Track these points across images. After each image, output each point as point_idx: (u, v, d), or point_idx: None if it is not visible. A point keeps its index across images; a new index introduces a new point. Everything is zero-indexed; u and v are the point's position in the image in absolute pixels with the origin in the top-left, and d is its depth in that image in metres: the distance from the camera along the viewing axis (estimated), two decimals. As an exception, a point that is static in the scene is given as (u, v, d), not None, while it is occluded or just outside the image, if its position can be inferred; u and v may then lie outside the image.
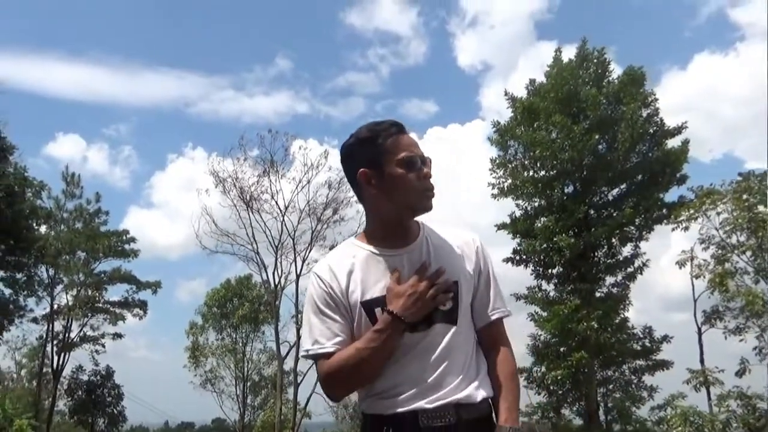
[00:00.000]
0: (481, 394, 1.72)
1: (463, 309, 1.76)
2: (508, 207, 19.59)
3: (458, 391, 1.69)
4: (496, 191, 19.24)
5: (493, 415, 1.75)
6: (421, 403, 1.67)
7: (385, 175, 1.76)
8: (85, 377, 29.89)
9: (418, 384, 1.68)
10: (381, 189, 1.77)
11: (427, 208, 1.79)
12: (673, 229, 16.86)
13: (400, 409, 1.67)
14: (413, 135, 1.87)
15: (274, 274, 21.84)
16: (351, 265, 1.78)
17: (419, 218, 1.85)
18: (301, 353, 1.95)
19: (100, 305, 28.93)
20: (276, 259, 21.66)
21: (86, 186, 28.96)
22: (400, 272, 1.74)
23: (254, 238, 21.45)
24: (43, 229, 26.85)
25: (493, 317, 1.81)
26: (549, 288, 19.27)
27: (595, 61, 18.45)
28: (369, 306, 1.72)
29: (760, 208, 15.34)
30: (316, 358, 1.75)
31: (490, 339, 1.81)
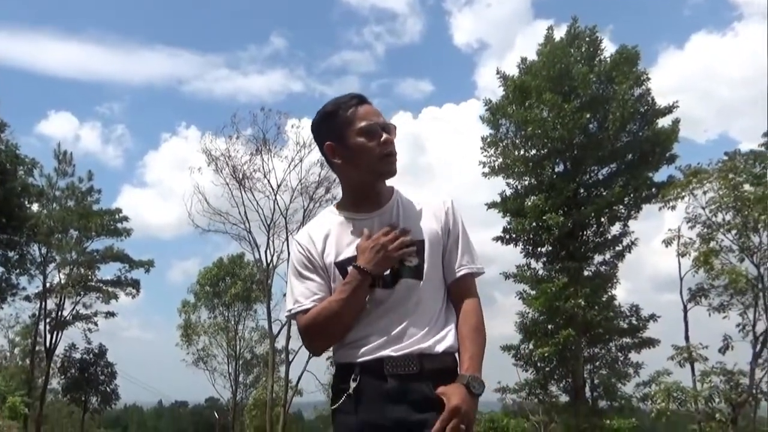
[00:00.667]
0: (443, 346, 1.80)
1: (430, 266, 1.85)
2: (502, 186, 19.67)
3: (422, 342, 1.78)
4: (487, 170, 19.37)
5: (458, 367, 1.82)
6: (387, 352, 1.77)
7: (348, 146, 1.86)
8: (78, 355, 30.06)
9: (385, 335, 1.79)
10: (345, 159, 1.88)
11: (391, 172, 1.90)
12: (660, 208, 17.02)
13: (366, 357, 1.78)
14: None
15: (266, 252, 21.94)
16: (327, 230, 1.92)
17: (392, 184, 1.96)
18: (284, 314, 2.07)
19: (93, 284, 29.03)
20: (268, 238, 21.75)
21: (78, 164, 28.90)
22: (370, 232, 1.85)
23: (247, 217, 21.53)
24: (35, 207, 26.90)
25: (460, 273, 1.88)
26: (538, 266, 19.49)
27: (587, 39, 18.47)
28: (342, 266, 1.85)
29: (746, 187, 15.49)
30: (296, 315, 1.88)
31: (458, 294, 1.90)
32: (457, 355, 1.84)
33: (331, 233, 1.91)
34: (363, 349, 1.80)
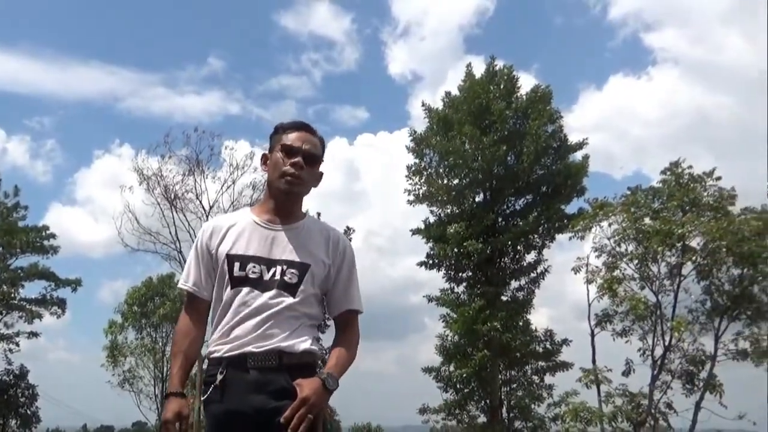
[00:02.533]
0: (303, 346, 2.05)
1: (305, 288, 2.09)
2: (428, 214, 20.37)
3: (283, 342, 2.02)
4: (412, 197, 20.07)
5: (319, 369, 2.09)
6: (250, 348, 2.01)
7: (271, 158, 2.19)
8: (-3, 377, 28.86)
9: (251, 334, 2.02)
10: (268, 169, 2.20)
11: (283, 190, 2.13)
12: (570, 238, 18.00)
13: (233, 353, 2.02)
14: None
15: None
16: (233, 224, 2.18)
17: (309, 211, 2.38)
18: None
19: (15, 302, 28.06)
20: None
21: (5, 179, 28.06)
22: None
23: (177, 237, 21.34)
24: (-44, 222, 26.02)
25: (344, 309, 2.18)
26: (460, 290, 20.22)
27: (505, 77, 19.53)
28: (231, 259, 2.11)
29: (646, 220, 16.61)
30: (181, 290, 2.24)
31: (342, 324, 2.21)
32: (320, 360, 2.12)
33: (234, 227, 2.17)
34: (230, 345, 2.03)
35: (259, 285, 2.08)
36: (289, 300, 2.07)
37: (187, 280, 2.21)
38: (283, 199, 2.17)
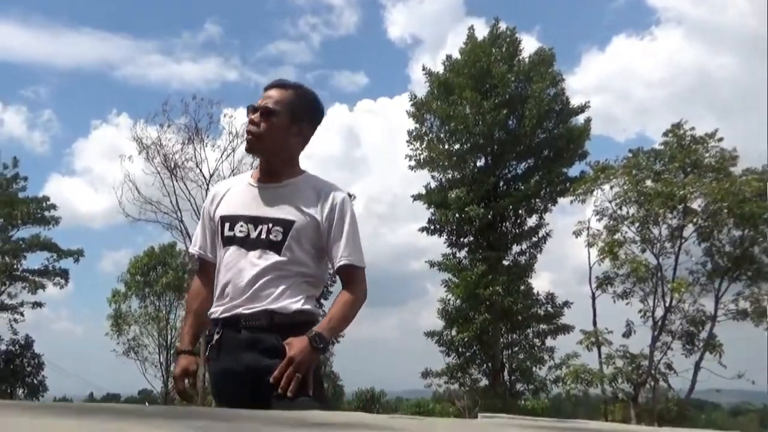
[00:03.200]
0: (295, 307, 2.06)
1: (291, 245, 2.08)
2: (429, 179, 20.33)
3: (274, 303, 2.05)
4: (413, 163, 20.04)
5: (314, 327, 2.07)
6: (240, 310, 2.06)
7: None
8: (2, 347, 29.15)
9: (241, 295, 2.07)
10: None
11: (246, 149, 2.24)
12: (571, 202, 18.02)
13: (226, 314, 2.08)
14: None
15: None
16: (228, 189, 2.26)
17: (305, 167, 2.25)
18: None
19: (18, 273, 28.19)
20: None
21: (2, 150, 27.97)
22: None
23: (178, 206, 21.39)
24: (-44, 194, 26.00)
25: (339, 263, 2.13)
26: (461, 256, 20.30)
27: (507, 40, 19.34)
28: (223, 220, 2.16)
29: (648, 182, 16.61)
30: (192, 255, 2.39)
31: (342, 280, 2.18)
32: (317, 318, 2.11)
33: (231, 191, 2.24)
34: (224, 307, 2.10)
35: (246, 243, 2.11)
36: (274, 258, 2.08)
37: (194, 244, 2.31)
38: (262, 159, 2.22)
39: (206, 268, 2.26)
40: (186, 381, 2.14)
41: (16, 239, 27.85)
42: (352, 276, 2.17)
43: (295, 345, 1.98)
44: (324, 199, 2.15)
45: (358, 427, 1.34)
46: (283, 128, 2.15)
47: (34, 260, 28.38)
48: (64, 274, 28.46)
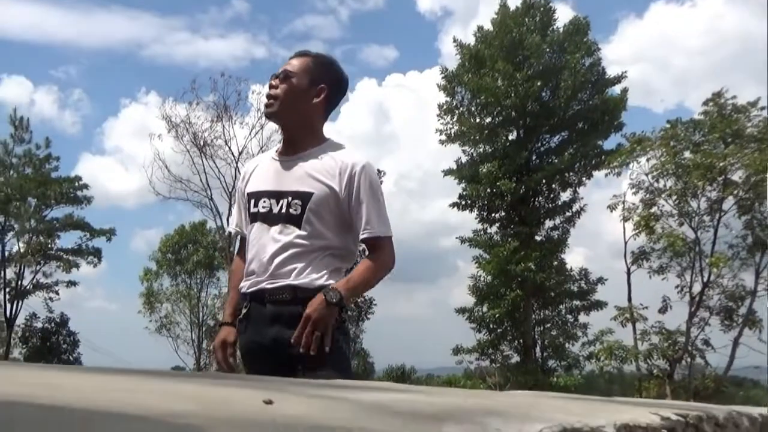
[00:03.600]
0: (319, 283, 2.05)
1: (310, 217, 2.07)
2: (460, 154, 20.09)
3: (296, 279, 2.05)
4: (443, 137, 19.79)
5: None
6: (264, 285, 2.09)
7: None
8: (39, 325, 29.78)
9: (264, 270, 2.09)
10: None
11: (264, 114, 2.31)
12: (606, 175, 17.68)
13: (252, 289, 2.12)
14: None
15: (228, 220, 22.04)
16: (256, 165, 2.30)
17: (329, 136, 2.23)
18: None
19: (53, 252, 28.70)
20: (230, 206, 21.85)
21: (35, 130, 28.33)
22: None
23: (208, 184, 21.47)
24: (-9, 175, 26.49)
25: (362, 236, 2.11)
26: (492, 231, 20.09)
27: (541, 9, 18.88)
28: (249, 197, 2.20)
29: (686, 154, 16.18)
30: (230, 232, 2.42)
31: (369, 248, 2.18)
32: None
33: (258, 167, 2.27)
34: (250, 282, 2.13)
35: (268, 219, 2.12)
36: (294, 232, 2.08)
37: (232, 223, 2.38)
38: (281, 127, 2.25)
39: (244, 245, 2.29)
40: (227, 351, 2.19)
41: (50, 219, 28.34)
42: (377, 247, 2.15)
43: (312, 303, 1.99)
44: (343, 167, 2.10)
45: (385, 390, 1.32)
46: (301, 91, 2.14)
47: (68, 239, 28.91)
48: (97, 253, 28.95)
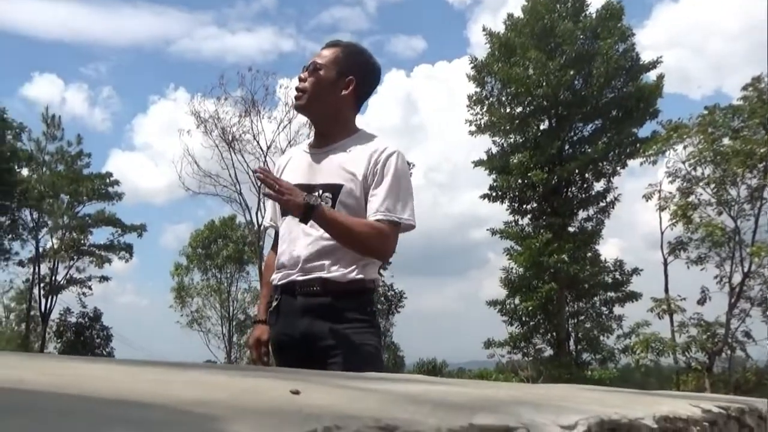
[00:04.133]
0: (350, 276, 2.03)
1: (341, 209, 2.02)
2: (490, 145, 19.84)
3: (326, 272, 2.02)
4: (473, 128, 19.55)
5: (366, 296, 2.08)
6: (295, 277, 2.06)
7: None
8: (73, 319, 30.26)
9: (297, 263, 2.07)
10: None
11: (293, 107, 2.23)
12: (641, 164, 17.32)
13: (283, 281, 2.10)
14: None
15: (257, 214, 22.07)
16: (288, 160, 2.28)
17: (361, 126, 2.19)
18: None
19: (85, 248, 29.15)
20: (259, 200, 21.87)
21: (66, 128, 28.73)
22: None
23: (237, 179, 21.63)
24: (24, 172, 26.92)
25: (374, 218, 2.01)
26: (524, 223, 19.83)
27: (573, -6, 18.53)
28: None
29: (725, 141, 15.76)
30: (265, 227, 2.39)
31: None
32: (368, 281, 2.07)
33: (290, 161, 2.25)
34: (281, 274, 2.11)
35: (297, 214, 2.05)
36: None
37: (266, 217, 2.39)
38: (311, 120, 2.24)
39: (277, 239, 2.27)
40: (261, 349, 2.19)
41: (82, 215, 28.79)
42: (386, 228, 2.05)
43: (296, 193, 1.93)
44: (370, 156, 2.06)
45: (416, 381, 1.27)
46: (330, 82, 2.11)
47: (100, 235, 29.34)
48: (129, 248, 29.34)
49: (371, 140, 2.11)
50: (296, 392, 0.77)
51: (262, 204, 21.33)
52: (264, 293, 2.29)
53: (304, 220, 1.92)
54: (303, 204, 1.89)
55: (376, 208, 2.01)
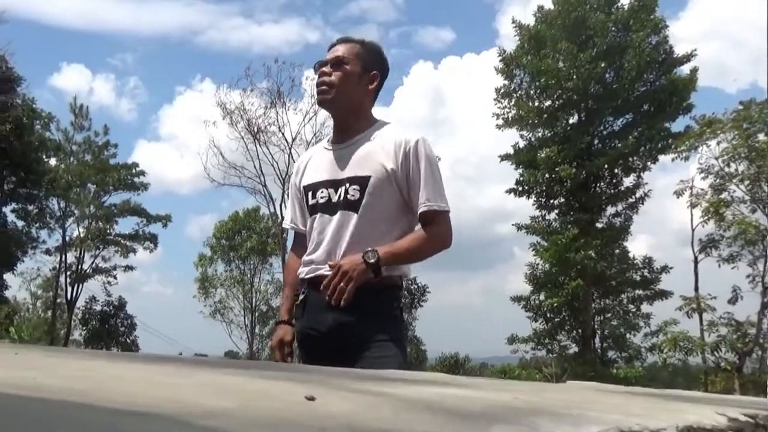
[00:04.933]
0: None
1: (370, 201, 2.02)
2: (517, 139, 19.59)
3: None
4: (500, 122, 19.33)
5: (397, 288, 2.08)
6: (322, 271, 2.04)
7: None
8: (98, 308, 30.64)
9: (322, 257, 2.06)
10: None
11: (319, 103, 2.20)
12: (673, 159, 16.99)
13: (311, 275, 2.09)
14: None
15: (281, 206, 22.09)
16: (309, 158, 2.26)
17: (380, 119, 2.19)
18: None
19: (111, 237, 29.44)
20: (283, 192, 21.90)
21: (93, 118, 29.00)
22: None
23: (262, 171, 21.62)
24: (52, 161, 27.22)
25: (419, 210, 2.03)
26: (551, 218, 19.59)
27: (605, -15, 18.16)
28: (306, 190, 2.17)
29: (760, 136, 15.39)
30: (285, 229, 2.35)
31: (425, 224, 2.08)
32: (396, 277, 2.07)
33: (311, 160, 2.23)
34: (308, 268, 2.11)
35: (328, 209, 2.09)
36: (353, 219, 2.04)
37: (286, 219, 2.36)
38: (334, 115, 2.20)
39: (300, 241, 2.26)
40: (284, 350, 2.18)
41: (109, 205, 29.10)
42: (434, 221, 2.07)
43: (347, 257, 1.99)
44: (398, 145, 2.05)
45: (433, 383, 1.28)
46: (356, 77, 2.12)
47: (125, 225, 29.64)
48: (154, 238, 29.61)
49: (391, 129, 2.13)
50: (311, 398, 0.76)
51: (286, 196, 21.35)
52: (287, 294, 2.26)
53: (377, 274, 1.95)
54: (367, 266, 1.93)
55: (421, 202, 2.02)
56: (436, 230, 2.06)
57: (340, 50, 2.13)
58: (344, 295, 1.92)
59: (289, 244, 2.51)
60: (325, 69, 2.11)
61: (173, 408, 0.66)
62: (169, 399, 0.72)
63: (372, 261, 1.92)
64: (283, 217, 22.47)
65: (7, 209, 25.07)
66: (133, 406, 0.66)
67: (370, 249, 1.95)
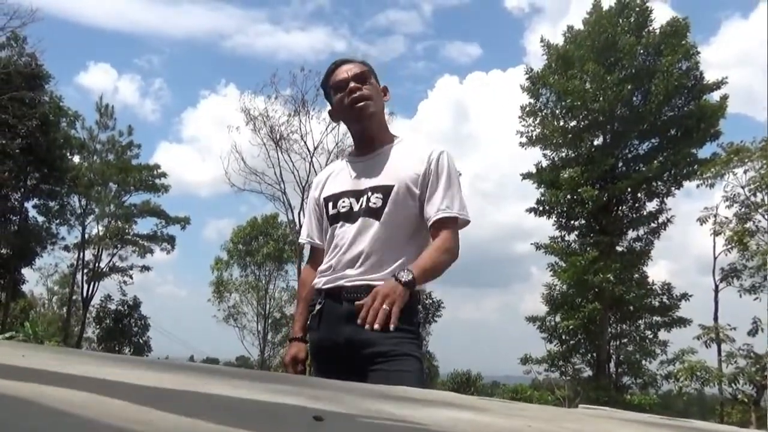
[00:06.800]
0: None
1: (392, 209, 2.02)
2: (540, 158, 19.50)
3: (374, 275, 1.98)
4: (524, 140, 19.25)
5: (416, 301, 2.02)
6: (342, 282, 2.02)
7: (333, 105, 2.19)
8: (113, 306, 30.79)
9: (344, 266, 2.04)
10: (338, 116, 2.21)
11: (360, 116, 2.12)
12: (698, 186, 16.81)
13: (329, 285, 2.06)
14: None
15: (299, 214, 22.16)
16: (329, 174, 2.25)
17: (399, 132, 2.25)
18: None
19: (129, 237, 29.67)
20: (302, 200, 21.95)
21: (117, 117, 29.29)
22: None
23: (282, 178, 21.71)
24: (76, 159, 27.54)
25: (436, 217, 2.01)
26: (571, 239, 19.43)
27: (636, 9, 18.05)
28: (326, 201, 2.16)
29: (790, 167, 15.18)
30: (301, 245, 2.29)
31: (436, 233, 2.03)
32: (416, 291, 2.01)
33: (332, 174, 2.23)
34: (327, 278, 2.07)
35: (350, 218, 2.08)
36: (375, 227, 2.03)
37: (303, 234, 2.33)
38: (363, 128, 2.16)
39: (315, 256, 2.26)
40: (297, 368, 2.18)
41: (129, 205, 29.34)
42: (444, 227, 2.03)
43: (382, 284, 1.93)
44: (421, 157, 2.08)
45: (445, 405, 1.27)
46: (379, 90, 2.18)
47: (144, 225, 29.84)
48: (171, 240, 29.81)
49: (414, 142, 2.18)
50: (319, 419, 0.74)
51: (305, 204, 21.35)
52: (300, 310, 2.23)
53: (408, 287, 1.90)
54: (404, 286, 1.88)
55: (438, 207, 2.02)
56: (443, 237, 2.02)
57: (352, 69, 2.15)
58: (391, 318, 1.84)
59: (305, 258, 2.50)
60: (354, 85, 2.11)
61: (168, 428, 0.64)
62: (165, 419, 0.69)
63: (407, 280, 1.89)
64: (301, 225, 22.49)
65: (29, 204, 25.41)
66: (130, 423, 0.64)
67: (403, 269, 1.92)
